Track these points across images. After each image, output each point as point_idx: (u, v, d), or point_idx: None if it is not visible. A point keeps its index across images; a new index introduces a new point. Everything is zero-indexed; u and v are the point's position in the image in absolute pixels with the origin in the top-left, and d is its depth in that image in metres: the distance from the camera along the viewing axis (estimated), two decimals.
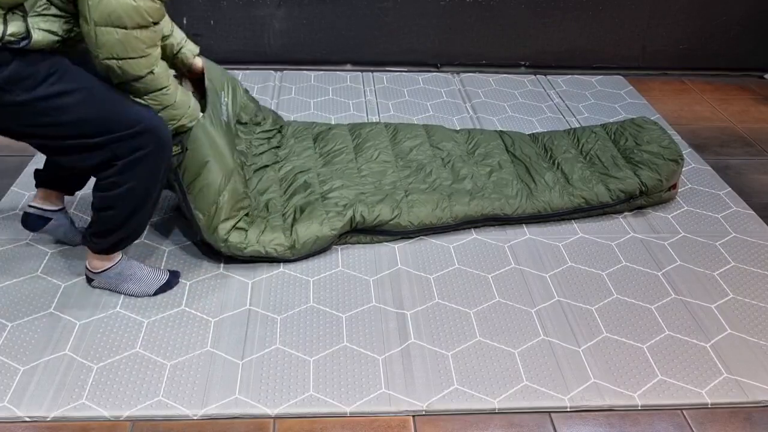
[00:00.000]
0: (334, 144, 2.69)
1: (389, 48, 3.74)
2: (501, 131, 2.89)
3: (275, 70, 3.69)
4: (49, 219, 2.15)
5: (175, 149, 1.97)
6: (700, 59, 3.90)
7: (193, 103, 1.99)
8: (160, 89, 1.83)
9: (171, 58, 2.14)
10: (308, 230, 2.21)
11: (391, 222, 2.31)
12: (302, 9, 3.60)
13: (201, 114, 2.04)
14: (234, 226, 2.15)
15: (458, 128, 3.04)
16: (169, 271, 2.12)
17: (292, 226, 2.23)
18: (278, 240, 2.19)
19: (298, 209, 2.32)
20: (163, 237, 2.32)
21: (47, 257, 2.20)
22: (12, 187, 2.55)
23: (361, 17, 3.64)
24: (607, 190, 2.51)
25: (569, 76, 3.79)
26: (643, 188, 2.52)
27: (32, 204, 2.15)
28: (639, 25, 3.77)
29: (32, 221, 2.14)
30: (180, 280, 2.12)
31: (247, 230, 2.17)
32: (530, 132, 3.04)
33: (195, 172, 2.04)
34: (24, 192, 2.52)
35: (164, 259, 2.22)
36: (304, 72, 3.68)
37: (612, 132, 2.80)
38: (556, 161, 2.66)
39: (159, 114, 1.86)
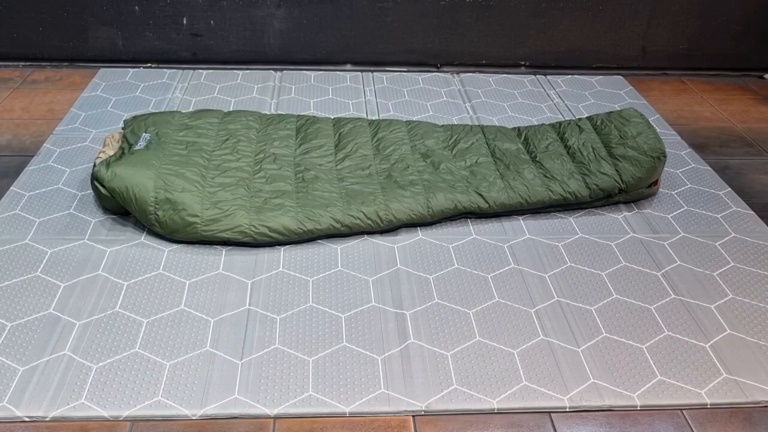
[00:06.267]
0: (316, 137, 2.76)
1: (389, 48, 3.74)
2: (483, 125, 2.91)
3: (275, 70, 3.69)
4: None
5: None
6: (700, 59, 3.90)
7: None
8: None
9: None
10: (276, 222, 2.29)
11: (369, 221, 2.35)
12: (302, 9, 3.60)
13: None
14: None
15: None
16: None
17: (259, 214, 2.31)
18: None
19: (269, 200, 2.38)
20: (162, 238, 2.32)
21: (47, 257, 2.20)
22: (12, 187, 2.55)
23: (361, 17, 3.64)
24: (586, 187, 2.53)
25: (569, 76, 3.79)
26: (622, 186, 2.54)
27: None
28: (639, 25, 3.77)
29: None
30: (180, 278, 2.12)
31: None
32: None
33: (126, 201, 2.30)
34: (24, 192, 2.52)
35: (164, 259, 2.22)
36: (304, 72, 3.68)
37: (597, 123, 2.79)
38: (536, 156, 2.68)
39: None
